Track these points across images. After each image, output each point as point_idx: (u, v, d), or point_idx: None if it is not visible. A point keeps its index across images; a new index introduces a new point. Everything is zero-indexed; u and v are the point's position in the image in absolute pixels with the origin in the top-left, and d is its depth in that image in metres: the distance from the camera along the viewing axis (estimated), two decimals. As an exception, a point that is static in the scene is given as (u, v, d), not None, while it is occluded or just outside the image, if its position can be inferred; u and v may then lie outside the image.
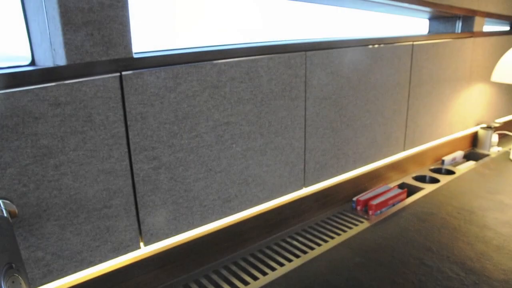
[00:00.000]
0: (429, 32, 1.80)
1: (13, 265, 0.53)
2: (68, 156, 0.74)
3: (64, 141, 0.73)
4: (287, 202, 1.18)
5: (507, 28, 2.17)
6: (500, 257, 1.03)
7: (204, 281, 0.98)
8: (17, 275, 0.52)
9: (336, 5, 1.39)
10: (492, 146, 1.91)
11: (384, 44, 1.32)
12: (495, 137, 1.92)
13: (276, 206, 1.16)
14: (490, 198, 1.37)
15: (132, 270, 0.90)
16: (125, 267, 0.89)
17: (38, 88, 0.68)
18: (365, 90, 1.29)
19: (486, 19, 1.79)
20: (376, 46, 1.29)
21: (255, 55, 0.97)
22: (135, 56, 0.79)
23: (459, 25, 1.74)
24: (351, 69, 1.22)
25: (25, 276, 0.53)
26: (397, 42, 1.37)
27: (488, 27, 1.86)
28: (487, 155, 1.84)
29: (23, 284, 0.52)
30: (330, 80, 1.16)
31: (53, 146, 0.72)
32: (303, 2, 1.29)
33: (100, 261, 0.82)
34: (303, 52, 1.07)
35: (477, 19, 1.71)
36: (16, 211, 0.68)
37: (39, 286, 0.76)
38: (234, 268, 1.03)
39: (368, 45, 1.26)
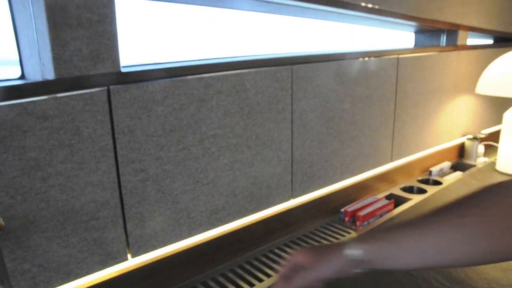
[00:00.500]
0: (415, 45, 1.84)
1: (-2, 277, 0.54)
2: (55, 169, 0.75)
3: (52, 154, 0.74)
4: (275, 213, 1.19)
5: (491, 41, 2.23)
6: (484, 266, 1.04)
7: (192, 293, 0.98)
8: (1, 287, 0.53)
9: (321, 19, 1.43)
10: (479, 156, 1.95)
11: (370, 57, 1.35)
12: (481, 148, 1.96)
13: (264, 217, 1.17)
14: (476, 208, 1.39)
15: (119, 282, 0.90)
16: (112, 279, 0.89)
17: (26, 101, 0.70)
18: (352, 102, 1.32)
19: (470, 32, 1.83)
20: (362, 59, 1.32)
21: (241, 69, 0.99)
22: (122, 70, 0.81)
23: (443, 38, 1.78)
24: (337, 82, 1.25)
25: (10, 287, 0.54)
26: (383, 55, 1.41)
27: (472, 41, 1.91)
28: (474, 165, 1.88)
29: (7, 296, 0.53)
30: (316, 93, 1.19)
31: (41, 159, 0.73)
32: (288, 16, 1.32)
33: (87, 273, 0.83)
34: (290, 66, 1.10)
35: (461, 33, 1.76)
36: (3, 223, 0.69)
37: (25, 298, 0.76)
38: (221, 279, 1.03)
39: (354, 58, 1.29)
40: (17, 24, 0.79)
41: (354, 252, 0.57)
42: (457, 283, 0.97)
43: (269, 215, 1.18)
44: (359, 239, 0.58)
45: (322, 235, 1.25)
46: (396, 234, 0.55)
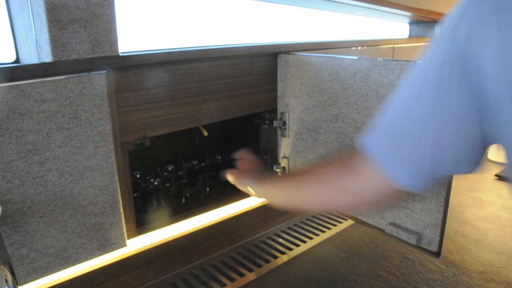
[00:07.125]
0: (409, 36, 1.85)
1: (-2, 259, 0.53)
2: (53, 153, 0.74)
3: (50, 138, 0.73)
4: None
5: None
6: (478, 250, 1.06)
7: (191, 279, 0.98)
8: (2, 267, 0.52)
9: (318, 9, 1.43)
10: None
11: (366, 46, 1.35)
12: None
13: (263, 204, 1.17)
14: (469, 195, 1.41)
15: (118, 267, 0.90)
16: (111, 265, 0.88)
17: (23, 84, 0.69)
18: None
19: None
20: (358, 48, 1.32)
21: (241, 53, 0.99)
22: (121, 54, 0.80)
23: (437, 29, 1.79)
24: (334, 70, 1.25)
25: (11, 269, 0.53)
26: (378, 45, 1.41)
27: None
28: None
29: (8, 277, 0.52)
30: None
31: (38, 143, 0.72)
32: (287, 5, 1.32)
33: (86, 259, 0.82)
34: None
35: (455, 24, 1.77)
36: (1, 207, 0.68)
37: (24, 284, 0.75)
38: (222, 265, 1.03)
39: (350, 47, 1.30)
40: (12, 6, 0.77)
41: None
42: (453, 266, 0.99)
43: (263, 204, 1.18)
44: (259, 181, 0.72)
45: (319, 221, 1.25)
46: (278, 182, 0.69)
